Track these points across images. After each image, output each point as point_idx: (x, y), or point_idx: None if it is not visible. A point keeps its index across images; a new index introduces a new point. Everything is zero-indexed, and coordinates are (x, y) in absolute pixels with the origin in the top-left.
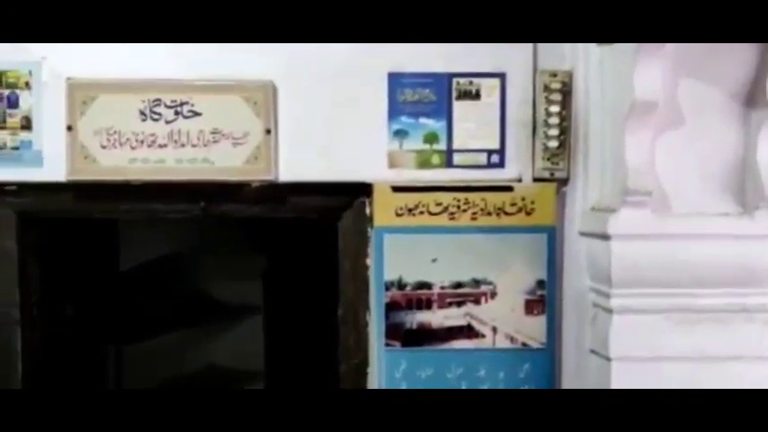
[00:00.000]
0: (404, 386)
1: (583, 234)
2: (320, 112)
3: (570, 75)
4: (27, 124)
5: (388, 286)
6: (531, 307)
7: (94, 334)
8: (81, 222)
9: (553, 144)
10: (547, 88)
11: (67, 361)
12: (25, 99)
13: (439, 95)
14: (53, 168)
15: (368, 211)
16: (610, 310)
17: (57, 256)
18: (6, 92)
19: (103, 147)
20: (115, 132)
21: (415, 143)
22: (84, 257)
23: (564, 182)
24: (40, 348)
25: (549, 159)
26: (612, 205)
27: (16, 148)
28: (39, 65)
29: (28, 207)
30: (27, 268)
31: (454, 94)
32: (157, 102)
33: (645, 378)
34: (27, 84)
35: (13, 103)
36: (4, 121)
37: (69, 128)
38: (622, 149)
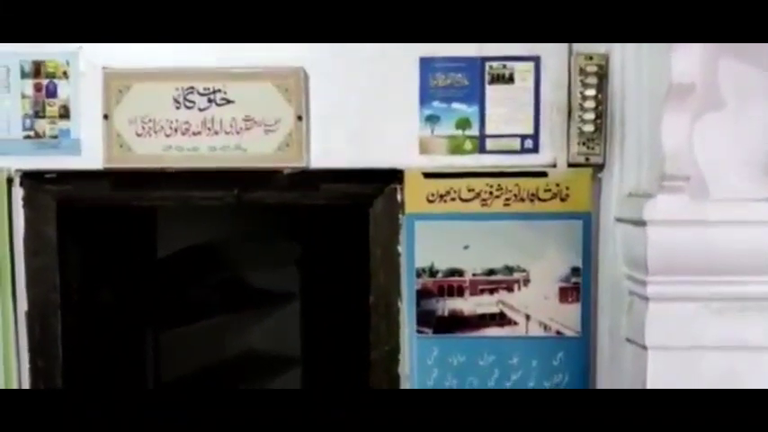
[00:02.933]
0: (435, 373)
1: (619, 220)
2: (351, 98)
3: (606, 58)
4: (65, 113)
5: (419, 273)
6: (566, 294)
7: (133, 319)
8: (119, 209)
9: (588, 128)
10: (582, 71)
11: (106, 346)
12: (63, 88)
13: (471, 80)
14: (90, 156)
15: (399, 197)
16: (646, 298)
17: (96, 243)
18: (45, 81)
19: (139, 135)
20: (150, 120)
21: (447, 129)
22: (123, 244)
23: (599, 167)
24: (80, 333)
25: (584, 144)
26: (649, 191)
27: (55, 137)
28: (75, 54)
29: (67, 195)
30: (67, 255)
31: (487, 79)
32: (191, 90)
33: (682, 368)
34: (65, 73)
35: (51, 92)
36: (44, 110)
37: (105, 116)
38: (659, 133)
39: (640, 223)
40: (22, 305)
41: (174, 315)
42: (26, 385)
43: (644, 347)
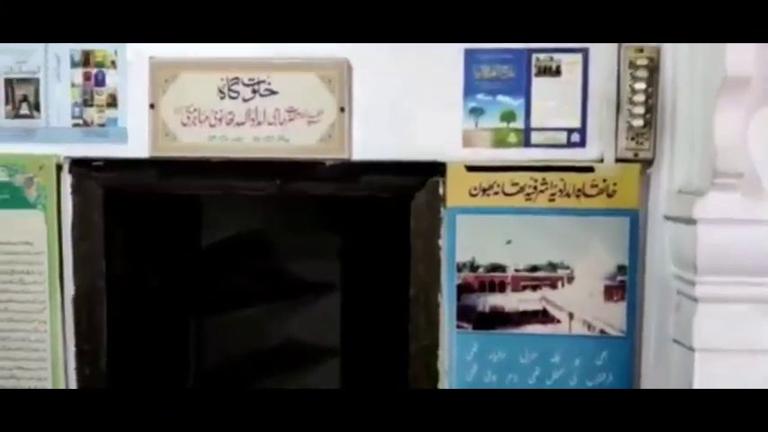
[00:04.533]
0: (475, 369)
1: (668, 218)
2: (394, 89)
3: (657, 50)
4: (113, 102)
5: (460, 267)
6: (611, 293)
7: (176, 306)
8: (164, 197)
9: (638, 123)
10: (632, 64)
11: (150, 331)
12: (111, 77)
13: (517, 72)
14: (137, 145)
15: (441, 190)
16: (694, 299)
17: (141, 230)
18: (94, 70)
19: (184, 124)
20: (195, 110)
21: (492, 121)
22: (168, 232)
23: (648, 163)
24: (125, 318)
25: (633, 139)
26: (700, 188)
27: (103, 125)
28: (124, 44)
29: (113, 182)
30: (113, 241)
31: (533, 71)
32: (235, 80)
33: (730, 371)
34: (113, 63)
35: (100, 81)
36: (92, 99)
37: (152, 106)
38: (712, 128)
39: (690, 221)
40: (69, 290)
41: (216, 303)
42: (71, 368)
43: (691, 349)
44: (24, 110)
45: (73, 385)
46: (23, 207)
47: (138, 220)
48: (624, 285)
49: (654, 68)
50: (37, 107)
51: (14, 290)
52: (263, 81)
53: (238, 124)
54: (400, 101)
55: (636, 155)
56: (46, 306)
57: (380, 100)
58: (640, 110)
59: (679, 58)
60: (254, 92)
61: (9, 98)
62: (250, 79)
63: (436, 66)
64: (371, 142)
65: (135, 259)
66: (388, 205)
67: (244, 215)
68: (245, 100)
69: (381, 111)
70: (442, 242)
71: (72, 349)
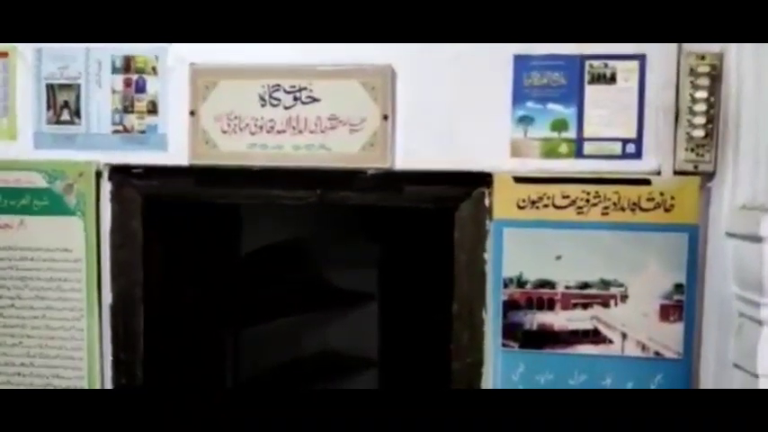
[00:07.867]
0: None
1: (730, 235)
2: (440, 97)
3: (720, 57)
4: (153, 109)
5: (506, 283)
6: (667, 313)
7: (213, 315)
8: (203, 205)
9: (698, 133)
10: (693, 72)
11: (187, 340)
12: (152, 84)
13: (569, 79)
14: (177, 152)
15: (487, 202)
16: (759, 321)
17: (179, 238)
18: (135, 77)
19: (224, 132)
20: (235, 118)
21: (542, 131)
22: (206, 240)
23: (709, 176)
24: (162, 327)
25: (692, 150)
26: (767, 203)
27: (143, 132)
28: (165, 50)
29: (153, 190)
30: (151, 249)
31: (587, 78)
32: (277, 87)
33: None
34: (154, 69)
35: (140, 87)
36: (132, 106)
37: (192, 113)
38: None
39: (755, 239)
40: (107, 298)
41: (254, 312)
42: (108, 377)
43: (755, 375)
44: (65, 116)
45: None
46: (63, 213)
47: (176, 228)
48: (681, 305)
49: (716, 76)
50: (77, 113)
51: (52, 297)
52: (305, 88)
53: (279, 132)
54: (445, 109)
55: (696, 167)
56: (83, 314)
57: (425, 108)
58: (701, 120)
59: (744, 66)
60: (296, 99)
61: (50, 104)
62: (291, 86)
63: (483, 72)
64: (415, 151)
65: (173, 268)
66: (431, 216)
67: (283, 224)
68: (286, 107)
69: (426, 119)
70: (487, 256)
71: (108, 358)
